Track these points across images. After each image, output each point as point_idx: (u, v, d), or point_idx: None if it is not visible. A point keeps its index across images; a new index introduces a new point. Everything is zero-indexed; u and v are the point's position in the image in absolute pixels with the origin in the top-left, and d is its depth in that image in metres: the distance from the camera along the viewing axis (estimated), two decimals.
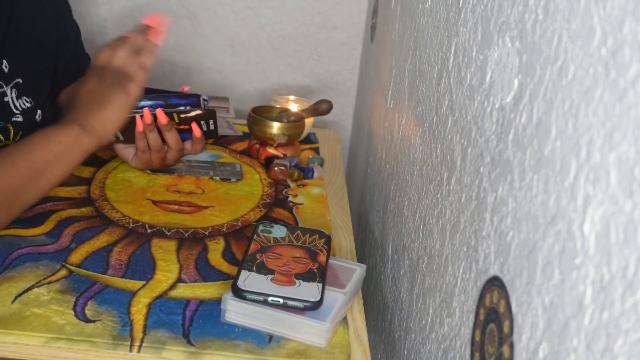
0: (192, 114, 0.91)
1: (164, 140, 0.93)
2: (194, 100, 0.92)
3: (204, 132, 0.94)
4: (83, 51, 1.17)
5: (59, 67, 1.05)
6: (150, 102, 0.91)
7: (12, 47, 0.90)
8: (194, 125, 0.92)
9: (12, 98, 0.89)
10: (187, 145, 0.96)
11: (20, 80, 0.91)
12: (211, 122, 0.93)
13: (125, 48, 0.88)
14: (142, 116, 0.89)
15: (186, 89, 0.97)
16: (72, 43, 1.10)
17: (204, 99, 0.94)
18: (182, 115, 0.91)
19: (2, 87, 0.88)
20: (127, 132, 0.92)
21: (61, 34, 1.05)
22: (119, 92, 0.85)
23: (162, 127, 0.91)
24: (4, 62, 0.88)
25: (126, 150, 0.99)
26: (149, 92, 0.92)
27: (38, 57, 0.97)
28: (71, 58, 1.09)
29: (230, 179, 1.03)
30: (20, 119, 0.90)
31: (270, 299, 0.66)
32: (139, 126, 0.90)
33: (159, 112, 0.90)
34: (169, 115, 0.90)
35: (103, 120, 0.83)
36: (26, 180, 0.76)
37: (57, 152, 0.78)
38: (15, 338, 0.63)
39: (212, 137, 0.97)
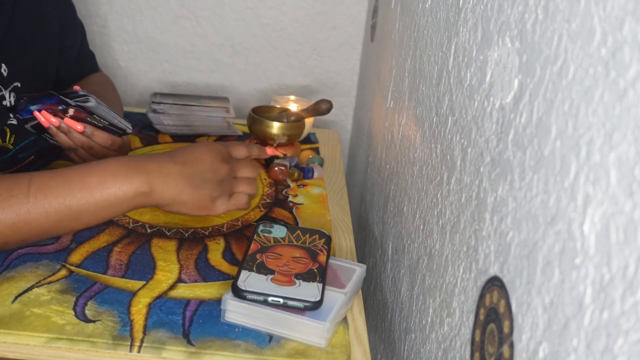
0: (70, 113, 0.86)
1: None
2: (55, 100, 0.85)
3: (105, 129, 0.89)
4: (87, 49, 1.17)
5: (62, 70, 1.05)
6: (35, 106, 0.86)
7: (12, 51, 0.90)
8: (67, 121, 0.85)
9: (10, 102, 0.89)
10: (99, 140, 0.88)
11: (18, 84, 0.90)
12: (94, 116, 0.87)
13: (256, 170, 0.81)
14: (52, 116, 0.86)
15: (76, 87, 0.94)
16: (76, 47, 1.10)
17: (82, 95, 0.87)
18: (66, 116, 0.86)
19: (1, 90, 0.87)
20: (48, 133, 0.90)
21: (65, 39, 1.05)
22: (209, 196, 0.75)
23: (56, 129, 0.86)
24: (3, 65, 0.88)
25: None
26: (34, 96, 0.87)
27: (39, 62, 0.97)
28: (75, 60, 1.09)
29: None
30: (15, 122, 0.90)
31: (270, 299, 0.66)
32: (45, 124, 0.85)
33: (44, 114, 0.84)
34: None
35: (172, 197, 0.72)
36: (53, 225, 0.69)
37: (102, 204, 0.69)
38: (15, 338, 0.63)
39: (122, 133, 0.92)
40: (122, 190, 0.69)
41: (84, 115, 0.87)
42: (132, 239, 0.82)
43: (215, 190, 0.75)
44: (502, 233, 0.49)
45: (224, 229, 0.87)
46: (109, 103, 1.07)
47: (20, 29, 0.92)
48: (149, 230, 0.84)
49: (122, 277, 0.74)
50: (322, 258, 0.75)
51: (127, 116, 1.26)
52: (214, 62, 1.49)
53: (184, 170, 0.73)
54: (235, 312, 0.67)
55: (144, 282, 0.73)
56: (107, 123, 0.89)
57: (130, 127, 0.94)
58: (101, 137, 0.88)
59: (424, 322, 0.70)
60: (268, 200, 0.97)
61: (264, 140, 1.10)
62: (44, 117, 0.84)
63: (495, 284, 0.50)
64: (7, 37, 0.89)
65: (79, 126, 0.86)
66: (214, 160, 0.75)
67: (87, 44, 1.16)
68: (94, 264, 0.75)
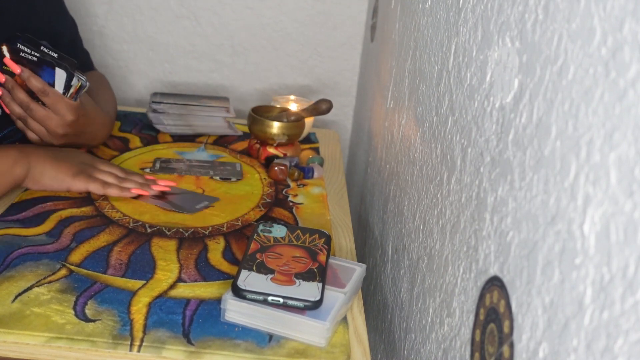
0: (5, 54, 0.88)
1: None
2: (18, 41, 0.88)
3: (42, 62, 0.90)
4: (81, 46, 1.17)
5: None
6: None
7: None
8: (7, 61, 0.87)
9: None
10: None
11: None
12: (10, 47, 0.88)
13: (119, 172, 0.95)
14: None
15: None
16: (67, 38, 1.10)
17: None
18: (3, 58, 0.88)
19: None
20: None
21: (54, 30, 1.05)
22: (70, 171, 0.89)
23: (6, 92, 0.89)
24: None
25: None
26: None
27: None
28: (68, 53, 1.09)
29: (230, 179, 1.03)
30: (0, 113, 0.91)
31: (270, 298, 0.66)
32: None
33: None
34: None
35: (42, 170, 0.88)
36: None
37: None
38: (15, 337, 0.63)
39: (68, 71, 0.91)
40: (4, 162, 0.85)
41: (18, 53, 0.88)
42: (132, 238, 0.82)
43: (76, 167, 0.91)
44: (502, 233, 0.49)
45: (224, 229, 0.87)
46: (102, 100, 1.07)
47: (10, 22, 0.93)
48: (149, 230, 0.84)
49: (122, 276, 0.74)
50: (322, 258, 0.75)
51: (127, 116, 1.27)
52: (214, 62, 1.49)
53: (52, 150, 0.91)
54: (235, 311, 0.67)
55: (144, 282, 0.73)
56: (40, 55, 0.89)
57: (61, 60, 0.92)
58: (35, 82, 0.88)
59: (424, 322, 0.70)
60: (268, 200, 0.97)
61: (264, 140, 1.10)
62: None
63: (495, 284, 0.50)
64: None
65: (18, 69, 0.89)
66: (78, 151, 0.95)
67: (80, 41, 1.16)
68: (94, 263, 0.76)
